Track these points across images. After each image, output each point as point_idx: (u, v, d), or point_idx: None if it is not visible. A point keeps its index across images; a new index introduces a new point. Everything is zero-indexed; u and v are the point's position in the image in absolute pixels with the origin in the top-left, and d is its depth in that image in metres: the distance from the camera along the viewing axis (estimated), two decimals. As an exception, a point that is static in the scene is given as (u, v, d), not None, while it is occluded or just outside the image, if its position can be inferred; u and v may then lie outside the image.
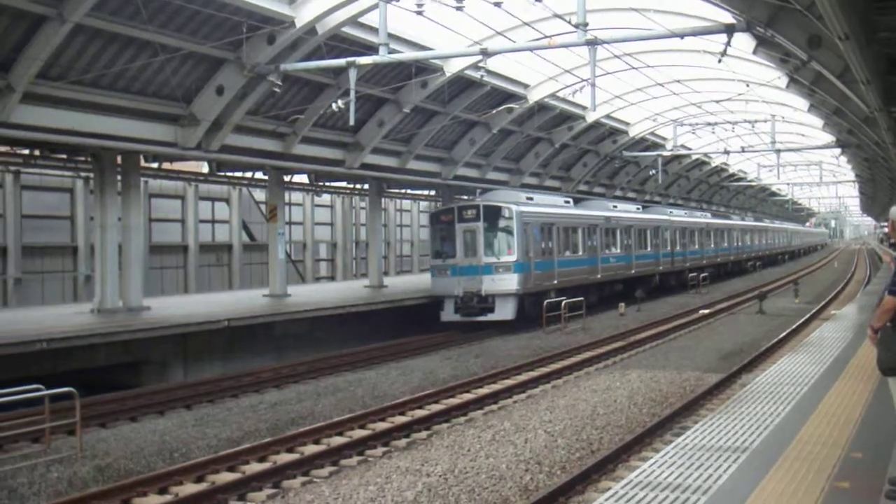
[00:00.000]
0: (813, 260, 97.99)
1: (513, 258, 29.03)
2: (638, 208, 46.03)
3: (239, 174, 36.21)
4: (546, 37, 23.06)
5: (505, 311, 28.79)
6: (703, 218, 55.89)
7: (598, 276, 36.32)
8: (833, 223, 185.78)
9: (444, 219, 30.46)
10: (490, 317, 28.71)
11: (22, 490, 11.82)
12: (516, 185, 40.71)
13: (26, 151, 26.30)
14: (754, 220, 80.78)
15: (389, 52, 20.87)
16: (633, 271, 40.36)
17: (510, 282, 28.94)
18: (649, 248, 43.04)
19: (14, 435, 14.45)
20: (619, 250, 38.98)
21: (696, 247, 51.72)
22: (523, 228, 29.55)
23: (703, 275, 46.41)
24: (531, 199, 33.03)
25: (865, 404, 11.65)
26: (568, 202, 37.12)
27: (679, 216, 50.07)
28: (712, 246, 55.51)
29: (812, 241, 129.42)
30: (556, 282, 31.89)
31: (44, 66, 18.91)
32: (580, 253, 34.75)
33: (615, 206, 42.20)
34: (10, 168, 28.68)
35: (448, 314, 29.39)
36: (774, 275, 63.57)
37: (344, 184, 41.15)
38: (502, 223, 29.41)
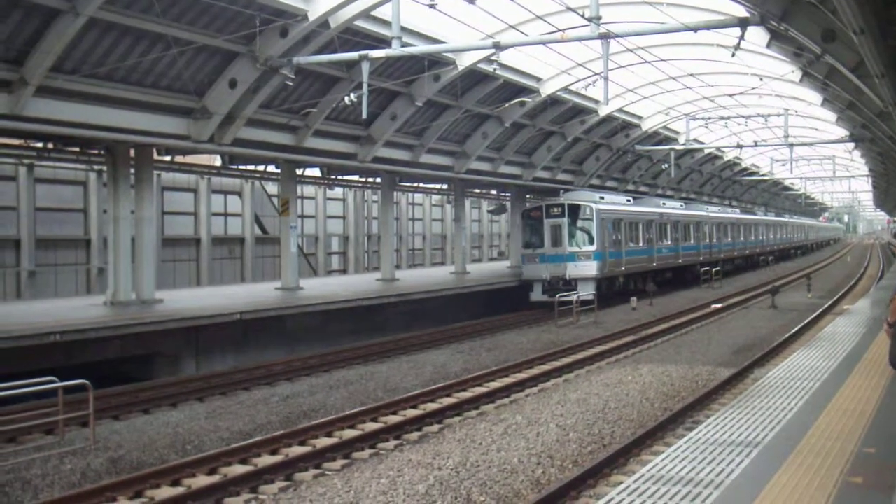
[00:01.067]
0: (826, 254, 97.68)
1: (592, 248, 34.41)
2: (682, 205, 50.27)
3: (251, 167, 36.25)
4: (559, 30, 22.99)
5: (585, 292, 32.72)
6: (734, 214, 61.52)
7: (654, 264, 41.34)
8: (846, 218, 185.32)
9: (533, 215, 35.80)
10: (573, 296, 31.81)
11: (36, 481, 11.88)
12: (528, 179, 40.84)
13: (40, 144, 26.37)
14: (776, 215, 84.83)
15: (402, 46, 20.84)
16: (679, 261, 45.63)
17: (591, 268, 34.29)
18: (692, 241, 48.01)
19: (28, 426, 14.55)
20: (669, 242, 43.98)
21: (729, 239, 56.84)
22: (600, 223, 34.79)
23: (715, 269, 46.56)
24: (603, 198, 37.97)
25: (879, 399, 11.62)
26: (629, 200, 42.05)
27: (714, 212, 55.59)
28: (742, 239, 60.79)
29: (828, 236, 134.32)
30: (623, 269, 37.28)
31: (57, 59, 18.95)
32: (641, 244, 39.80)
33: (664, 203, 46.64)
34: (23, 161, 28.78)
35: (537, 295, 34.45)
36: (787, 269, 63.45)
37: (356, 177, 41.13)
38: (583, 219, 34.74)
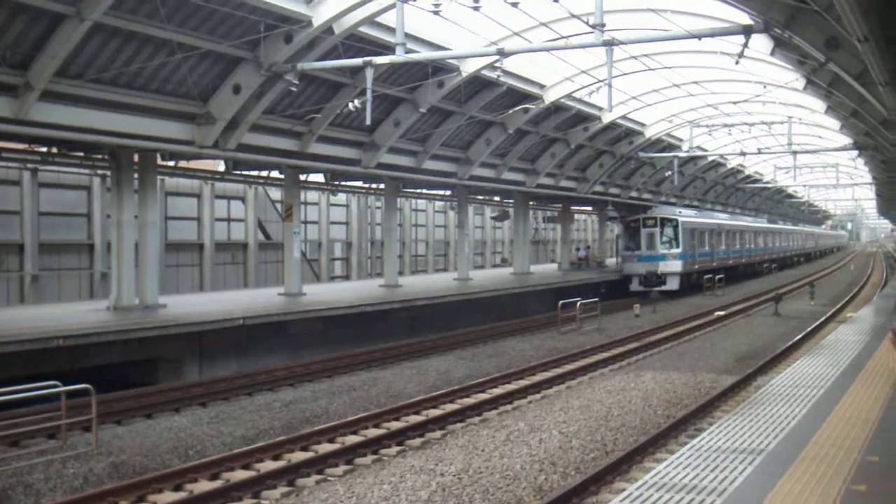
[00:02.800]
0: (829, 262, 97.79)
1: (679, 250, 44.27)
2: (728, 217, 61.34)
3: (255, 173, 36.24)
4: (563, 37, 23.01)
5: (672, 284, 43.98)
6: (765, 224, 74.84)
7: (714, 264, 50.77)
8: (849, 226, 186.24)
9: (632, 224, 45.88)
10: (663, 287, 43.83)
11: (38, 485, 11.89)
12: (532, 185, 40.94)
13: (44, 149, 26.38)
14: (792, 224, 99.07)
15: (406, 52, 20.85)
16: (730, 262, 55.29)
17: (677, 265, 44.26)
18: (738, 246, 58.34)
19: (31, 431, 14.54)
20: (724, 247, 53.92)
21: (762, 245, 68.21)
22: (683, 232, 44.69)
23: (718, 276, 46.80)
24: (681, 211, 47.73)
25: (882, 408, 11.62)
26: (698, 213, 52.57)
27: (752, 223, 68.23)
28: (772, 245, 73.07)
29: (835, 243, 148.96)
30: (696, 267, 47.20)
31: (62, 64, 18.98)
32: (706, 248, 49.74)
33: (717, 215, 57.69)
34: (27, 165, 28.78)
35: (635, 286, 44.53)
36: (790, 277, 63.48)
37: (360, 183, 41.13)
38: (671, 228, 44.63)
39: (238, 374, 21.14)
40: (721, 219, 56.15)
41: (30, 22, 18.24)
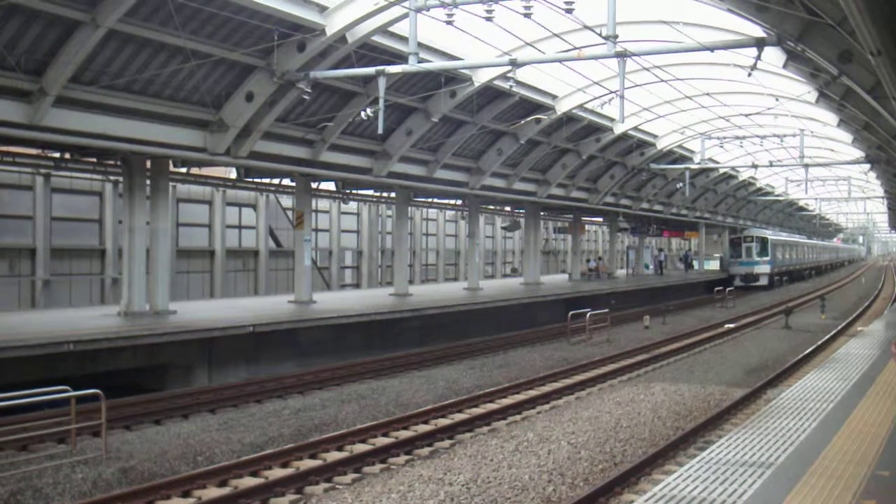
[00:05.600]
0: (840, 275, 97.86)
1: (768, 258, 64.96)
2: (787, 234, 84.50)
3: (266, 180, 36.35)
4: (575, 48, 23.02)
5: (763, 281, 64.20)
6: (812, 241, 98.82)
7: (785, 268, 72.57)
8: (860, 239, 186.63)
9: (735, 241, 67.15)
10: (756, 283, 63.87)
11: (47, 490, 11.92)
12: (543, 196, 40.94)
13: (57, 154, 26.52)
14: (821, 239, 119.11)
15: (419, 62, 20.88)
16: (794, 267, 77.67)
17: (766, 268, 64.77)
18: (797, 257, 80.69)
19: (40, 435, 14.60)
20: (789, 257, 76.04)
21: (810, 256, 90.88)
22: (771, 246, 65.68)
23: (728, 288, 46.82)
24: (768, 232, 70.53)
25: (893, 422, 11.57)
26: (774, 232, 76.15)
27: (800, 239, 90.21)
28: (813, 256, 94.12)
29: (854, 256, 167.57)
30: (777, 270, 68.00)
31: (77, 70, 19.07)
32: (782, 258, 71.80)
33: (783, 231, 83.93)
34: (40, 171, 28.92)
35: (737, 282, 62.46)
36: (801, 290, 63.47)
37: (371, 192, 41.21)
38: (762, 243, 65.33)
39: (247, 381, 21.16)
40: (790, 237, 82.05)
41: (45, 28, 18.33)
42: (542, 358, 25.59)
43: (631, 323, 35.53)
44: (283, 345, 23.89)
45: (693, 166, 45.45)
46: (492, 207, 51.36)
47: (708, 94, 34.72)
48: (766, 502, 8.11)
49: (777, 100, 33.76)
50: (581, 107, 33.09)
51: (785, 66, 22.49)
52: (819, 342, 28.11)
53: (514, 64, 21.83)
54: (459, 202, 47.35)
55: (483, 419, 17.01)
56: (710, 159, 46.62)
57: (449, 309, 30.50)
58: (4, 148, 25.15)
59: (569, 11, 17.96)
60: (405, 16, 20.69)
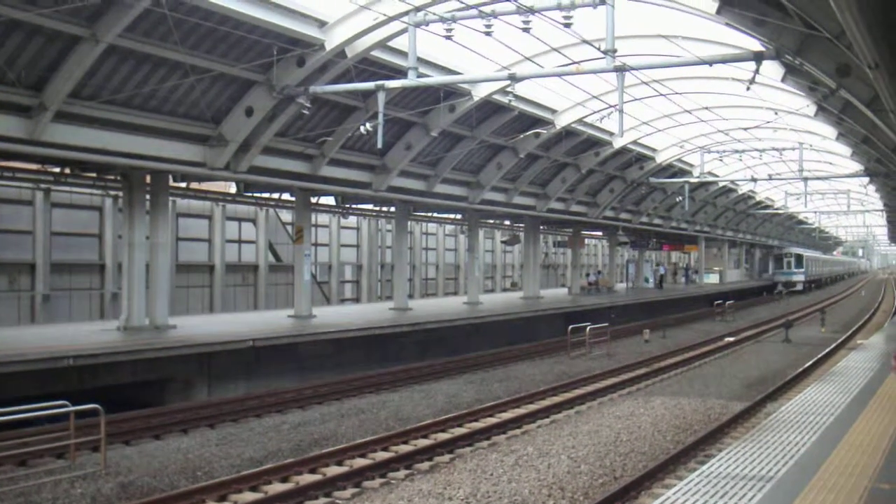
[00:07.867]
0: (840, 288, 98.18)
1: (803, 270, 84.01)
2: (813, 251, 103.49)
3: (266, 195, 36.36)
4: (574, 62, 23.09)
5: (799, 287, 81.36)
6: (830, 256, 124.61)
7: (814, 278, 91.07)
8: (860, 252, 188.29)
9: (778, 256, 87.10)
10: (794, 288, 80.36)
11: (46, 505, 11.88)
12: (542, 210, 40.99)
13: (57, 169, 26.54)
14: (831, 254, 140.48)
15: (418, 76, 20.94)
16: (819, 278, 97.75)
17: (801, 277, 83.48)
18: (821, 269, 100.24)
19: (39, 450, 14.56)
20: (817, 269, 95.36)
21: (828, 269, 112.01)
22: (805, 261, 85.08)
23: (728, 301, 46.81)
24: (802, 250, 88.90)
25: (893, 435, 11.56)
26: (804, 249, 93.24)
27: (826, 256, 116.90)
28: (830, 269, 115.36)
29: (855, 269, 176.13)
30: (809, 279, 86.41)
31: (77, 85, 19.12)
32: (811, 269, 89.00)
33: (810, 250, 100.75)
34: (40, 186, 28.94)
35: (779, 288, 79.25)
36: (801, 303, 63.31)
37: (370, 206, 41.23)
38: (798, 258, 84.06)
39: (247, 396, 21.13)
40: (815, 253, 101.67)
41: (45, 44, 18.39)
42: (542, 372, 25.56)
43: (631, 337, 35.50)
44: (282, 359, 23.85)
45: (692, 180, 45.51)
46: (491, 221, 51.37)
47: (707, 107, 34.80)
48: (767, 516, 8.10)
49: (776, 113, 33.85)
50: (580, 121, 33.15)
51: (783, 80, 22.55)
52: (819, 355, 28.09)
53: (514, 78, 21.88)
54: (459, 216, 47.39)
55: (483, 433, 16.98)
56: (710, 173, 46.69)
57: (449, 323, 30.49)
58: (4, 163, 25.16)
59: (567, 26, 18.03)
60: (404, 31, 20.77)
